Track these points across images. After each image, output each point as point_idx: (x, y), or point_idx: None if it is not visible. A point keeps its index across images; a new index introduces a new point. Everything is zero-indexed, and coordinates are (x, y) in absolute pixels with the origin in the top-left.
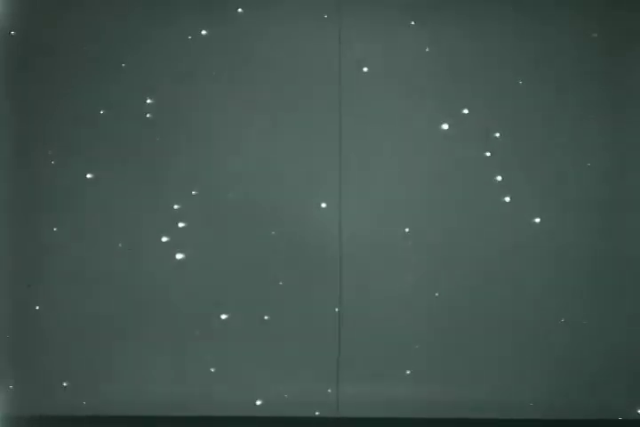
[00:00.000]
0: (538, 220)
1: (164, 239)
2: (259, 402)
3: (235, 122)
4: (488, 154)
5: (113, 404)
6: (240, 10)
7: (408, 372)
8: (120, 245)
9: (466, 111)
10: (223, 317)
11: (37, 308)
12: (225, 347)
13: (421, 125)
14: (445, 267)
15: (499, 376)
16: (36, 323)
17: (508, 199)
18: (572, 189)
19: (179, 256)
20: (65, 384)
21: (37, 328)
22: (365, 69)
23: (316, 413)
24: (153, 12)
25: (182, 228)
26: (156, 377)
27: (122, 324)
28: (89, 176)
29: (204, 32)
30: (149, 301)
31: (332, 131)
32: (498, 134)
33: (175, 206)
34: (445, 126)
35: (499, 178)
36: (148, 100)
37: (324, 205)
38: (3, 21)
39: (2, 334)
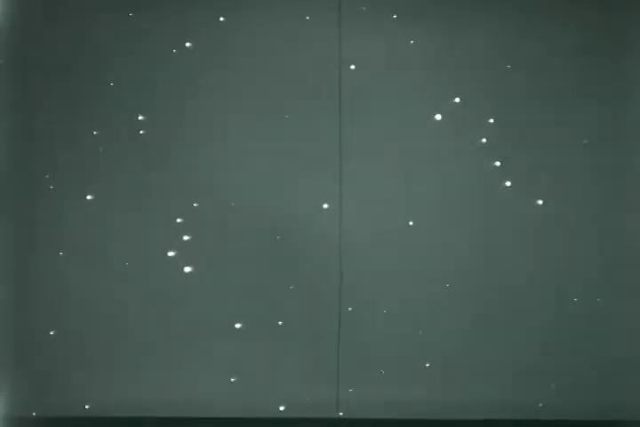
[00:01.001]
0: (541, 202)
1: (171, 254)
2: (282, 408)
3: (231, 129)
4: (484, 140)
5: (127, 406)
6: (222, 18)
7: (427, 364)
8: (127, 264)
9: (457, 100)
10: (237, 326)
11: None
12: (241, 354)
13: (419, 120)
14: (449, 263)
15: (502, 377)
16: (37, 324)
17: (509, 184)
18: (572, 168)
19: (187, 269)
20: (87, 406)
21: (38, 329)
22: (352, 67)
23: (340, 413)
24: (133, 29)
25: (187, 241)
26: (166, 383)
27: (134, 336)
28: (89, 197)
29: (188, 44)
30: (161, 315)
31: (332, 132)
32: (492, 120)
33: (178, 220)
34: (438, 117)
35: (497, 163)
36: (140, 117)
37: (325, 205)
38: (3, 21)
39: (2, 335)
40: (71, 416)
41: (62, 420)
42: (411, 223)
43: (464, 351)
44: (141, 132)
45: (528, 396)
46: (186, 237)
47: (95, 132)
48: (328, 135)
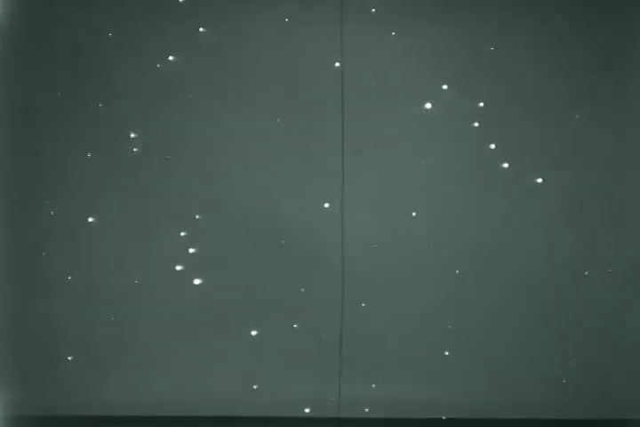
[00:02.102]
0: (540, 180)
1: (179, 268)
2: (307, 410)
3: (227, 135)
4: (476, 124)
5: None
6: (202, 29)
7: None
8: (136, 281)
9: (445, 87)
10: (254, 333)
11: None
12: (261, 360)
13: (415, 112)
14: (453, 259)
15: (502, 377)
16: (38, 324)
17: (506, 165)
18: (567, 143)
19: (197, 282)
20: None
21: (39, 329)
22: (337, 64)
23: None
24: (114, 47)
25: (194, 253)
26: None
27: (147, 346)
28: (90, 220)
29: (171, 58)
30: (178, 329)
31: (334, 131)
32: (482, 104)
33: (182, 233)
34: (428, 105)
35: (492, 146)
36: (132, 135)
37: (327, 205)
38: (2, 21)
39: (2, 335)
40: (72, 416)
41: (63, 419)
42: (414, 214)
43: (468, 350)
44: (135, 149)
45: (533, 395)
46: (192, 250)
47: (89, 155)
48: (330, 134)
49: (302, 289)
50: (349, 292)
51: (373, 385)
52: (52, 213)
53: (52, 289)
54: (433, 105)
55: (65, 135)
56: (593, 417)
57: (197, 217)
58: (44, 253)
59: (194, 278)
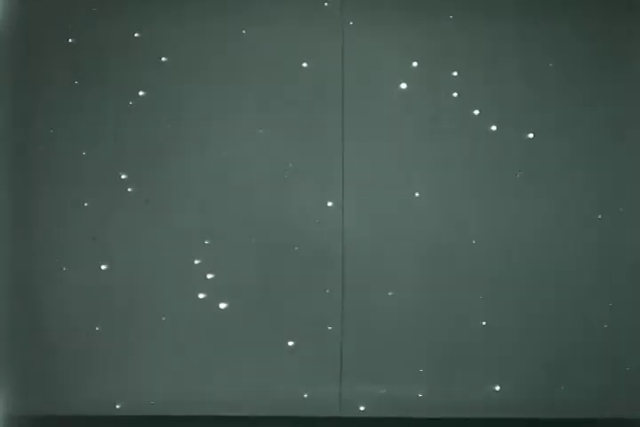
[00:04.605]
0: (531, 135)
1: (202, 296)
2: (362, 408)
3: (222, 150)
4: (455, 94)
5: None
6: (164, 59)
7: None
8: (163, 318)
9: (415, 64)
10: (290, 343)
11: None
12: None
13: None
14: (456, 257)
15: (502, 376)
16: (39, 324)
17: (494, 128)
18: (545, 95)
19: (222, 306)
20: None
21: (40, 329)
22: (304, 64)
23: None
24: (81, 88)
25: (212, 279)
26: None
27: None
28: (104, 268)
29: (141, 93)
30: (212, 350)
31: (334, 130)
32: (455, 73)
33: (196, 262)
34: (404, 86)
35: (476, 112)
36: (123, 176)
37: (330, 204)
38: (2, 21)
39: (2, 335)
40: (72, 416)
41: (63, 419)
42: (417, 194)
43: (472, 348)
44: (129, 189)
45: (530, 395)
46: (210, 276)
47: (86, 204)
48: (329, 134)
49: (327, 290)
50: (349, 291)
51: (374, 384)
52: (64, 268)
53: (78, 337)
54: (409, 85)
55: (57, 188)
56: (594, 416)
57: (206, 242)
58: (65, 309)
59: (219, 303)
